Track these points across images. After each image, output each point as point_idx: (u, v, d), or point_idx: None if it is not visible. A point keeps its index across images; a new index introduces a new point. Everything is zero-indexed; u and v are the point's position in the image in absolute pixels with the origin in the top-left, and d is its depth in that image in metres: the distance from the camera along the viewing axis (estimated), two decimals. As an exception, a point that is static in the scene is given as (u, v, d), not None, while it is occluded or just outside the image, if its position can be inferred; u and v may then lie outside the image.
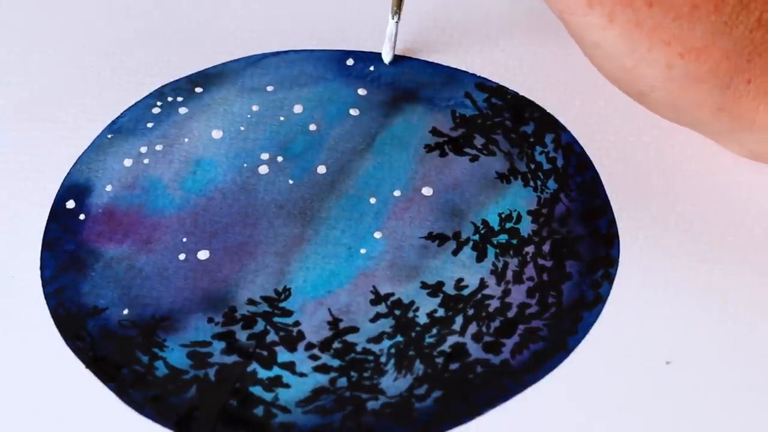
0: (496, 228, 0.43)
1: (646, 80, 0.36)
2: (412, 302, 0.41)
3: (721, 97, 0.35)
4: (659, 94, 0.36)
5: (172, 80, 0.49)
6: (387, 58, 0.48)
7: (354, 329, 0.41)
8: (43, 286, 0.42)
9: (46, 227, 0.44)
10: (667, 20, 0.34)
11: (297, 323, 0.41)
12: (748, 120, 0.36)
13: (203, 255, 0.43)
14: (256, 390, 0.39)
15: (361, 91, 0.48)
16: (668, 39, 0.34)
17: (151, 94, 0.48)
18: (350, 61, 0.49)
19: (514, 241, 0.43)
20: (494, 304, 0.41)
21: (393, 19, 0.46)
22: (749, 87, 0.35)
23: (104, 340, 0.40)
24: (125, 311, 0.41)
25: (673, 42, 0.34)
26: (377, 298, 0.41)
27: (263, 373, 0.39)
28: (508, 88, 0.48)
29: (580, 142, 0.46)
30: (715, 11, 0.34)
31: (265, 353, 0.40)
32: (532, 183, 0.44)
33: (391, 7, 0.46)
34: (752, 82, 0.35)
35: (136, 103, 0.48)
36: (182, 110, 0.48)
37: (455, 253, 0.42)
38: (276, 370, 0.40)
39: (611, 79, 0.37)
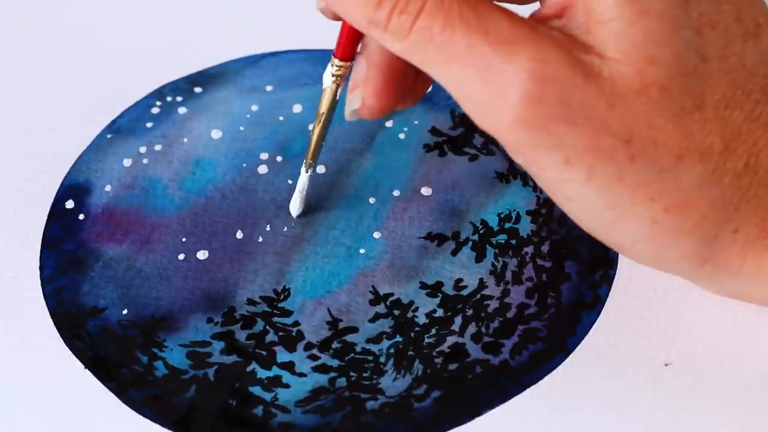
0: (495, 228, 0.43)
1: (628, 234, 0.33)
2: (412, 302, 0.41)
3: (707, 248, 0.33)
4: (641, 247, 0.34)
5: (171, 80, 0.49)
6: (295, 211, 0.43)
7: (353, 329, 0.41)
8: (43, 286, 0.42)
9: (46, 227, 0.44)
10: (650, 174, 0.32)
11: (296, 323, 0.41)
12: (735, 268, 0.34)
13: (203, 255, 0.43)
14: (256, 390, 0.39)
15: (361, 91, 0.48)
16: (652, 194, 0.32)
17: (150, 94, 0.48)
18: (350, 61, 0.49)
19: (513, 242, 0.43)
20: (493, 304, 0.41)
21: (307, 172, 0.42)
22: (736, 236, 0.33)
23: (104, 340, 0.40)
24: (125, 311, 0.41)
25: (658, 197, 0.32)
26: (376, 298, 0.41)
27: (263, 373, 0.39)
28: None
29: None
30: (701, 161, 0.32)
31: (264, 353, 0.40)
32: (531, 182, 0.44)
33: (305, 159, 0.42)
34: (739, 231, 0.33)
35: (135, 104, 0.48)
36: (182, 110, 0.48)
37: (454, 253, 0.42)
38: (275, 370, 0.40)
39: (586, 229, 0.34)
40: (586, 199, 0.33)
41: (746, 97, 0.32)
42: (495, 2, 0.33)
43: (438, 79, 0.33)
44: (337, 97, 0.40)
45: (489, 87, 0.31)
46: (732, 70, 0.32)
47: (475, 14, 0.32)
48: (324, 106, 0.40)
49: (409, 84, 0.37)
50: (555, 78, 0.31)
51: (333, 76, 0.39)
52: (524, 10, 0.36)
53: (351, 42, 0.38)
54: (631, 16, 0.31)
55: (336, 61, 0.39)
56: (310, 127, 0.46)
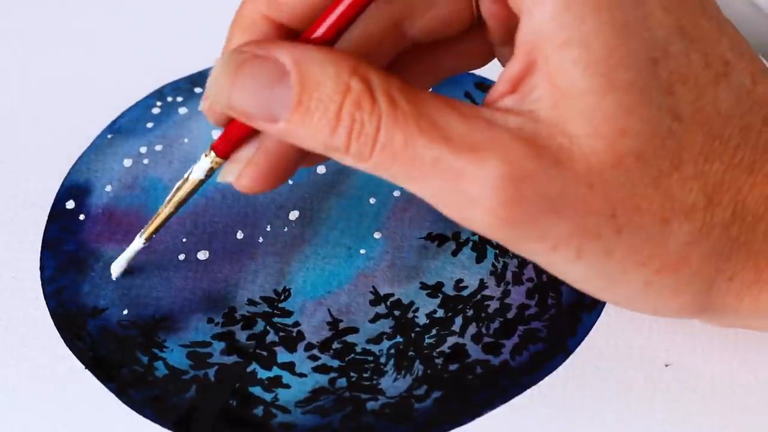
0: (496, 228, 0.43)
1: (622, 297, 0.33)
2: (412, 303, 0.41)
3: (704, 298, 0.33)
4: (637, 306, 0.34)
5: (171, 80, 0.49)
6: (116, 273, 0.42)
7: (354, 330, 0.41)
8: (43, 286, 0.42)
9: (46, 228, 0.44)
10: (638, 242, 0.31)
11: (297, 324, 0.41)
12: (733, 310, 0.34)
13: (203, 255, 0.43)
14: (256, 390, 0.39)
15: (361, 91, 0.48)
16: (642, 260, 0.32)
17: (150, 94, 0.48)
18: (350, 61, 0.49)
19: (514, 242, 0.43)
20: (494, 305, 0.41)
21: (142, 238, 0.41)
22: (731, 284, 0.33)
23: (104, 340, 0.40)
24: (125, 311, 0.41)
25: (648, 262, 0.32)
26: (377, 299, 0.41)
27: (263, 374, 0.39)
28: (507, 89, 0.48)
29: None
30: (687, 220, 0.31)
31: (264, 353, 0.40)
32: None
33: (145, 231, 0.40)
34: (734, 279, 0.33)
35: (135, 104, 0.48)
36: (182, 110, 0.48)
37: (455, 253, 0.42)
38: (276, 371, 0.40)
39: (583, 292, 0.34)
40: (577, 274, 0.33)
41: (724, 145, 0.32)
42: (434, 92, 0.33)
43: (411, 190, 0.32)
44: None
45: (464, 195, 0.31)
46: (707, 122, 0.32)
47: (431, 124, 0.31)
48: (182, 194, 0.38)
49: (291, 173, 0.37)
50: (528, 175, 0.31)
51: (205, 170, 0.37)
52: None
53: (240, 142, 0.36)
54: (600, 90, 0.30)
55: (214, 156, 0.37)
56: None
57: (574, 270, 0.32)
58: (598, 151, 0.31)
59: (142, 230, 0.40)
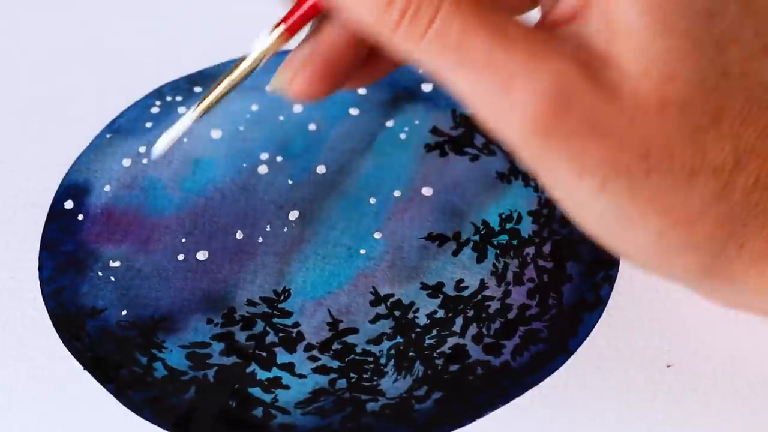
0: (497, 228, 0.43)
1: (633, 245, 0.33)
2: (412, 303, 0.41)
3: (712, 262, 0.33)
4: (645, 258, 0.34)
5: (171, 80, 0.49)
6: (158, 151, 0.38)
7: (354, 330, 0.40)
8: (42, 286, 0.42)
9: (45, 228, 0.44)
10: (663, 189, 0.31)
11: (296, 324, 0.41)
12: (738, 282, 0.33)
13: (202, 255, 0.43)
14: (256, 391, 0.39)
15: (361, 91, 0.48)
16: (663, 208, 0.32)
17: (150, 94, 0.48)
18: (350, 61, 0.49)
19: (515, 242, 0.42)
20: (494, 305, 0.41)
21: (195, 112, 0.37)
22: (741, 252, 0.33)
23: (103, 340, 0.40)
24: (124, 312, 0.41)
25: (668, 212, 0.32)
26: (377, 299, 0.41)
27: (262, 374, 0.39)
28: (508, 88, 0.47)
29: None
30: (713, 177, 0.32)
31: (264, 354, 0.40)
32: (532, 183, 0.44)
33: (200, 102, 0.37)
34: (745, 246, 0.33)
35: (135, 103, 0.48)
36: (181, 110, 0.48)
37: (455, 253, 0.42)
38: (275, 371, 0.39)
39: (591, 235, 0.34)
40: (594, 209, 0.32)
41: (761, 113, 0.32)
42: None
43: (452, 85, 0.32)
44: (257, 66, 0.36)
45: (509, 98, 0.31)
46: (750, 87, 0.32)
47: (494, 22, 0.31)
48: (238, 72, 0.36)
49: (342, 82, 0.36)
50: (577, 94, 0.31)
51: (264, 48, 0.35)
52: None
53: (303, 21, 0.35)
54: (654, 32, 0.31)
55: (275, 33, 0.35)
56: (312, 126, 0.46)
57: (593, 205, 0.32)
58: (645, 91, 0.31)
59: (197, 103, 0.37)
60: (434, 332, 0.40)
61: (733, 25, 0.32)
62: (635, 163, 0.31)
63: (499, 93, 0.31)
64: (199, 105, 0.37)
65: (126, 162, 0.46)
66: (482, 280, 0.41)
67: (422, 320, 0.40)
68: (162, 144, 0.37)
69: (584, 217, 0.33)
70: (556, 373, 0.39)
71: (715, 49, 0.31)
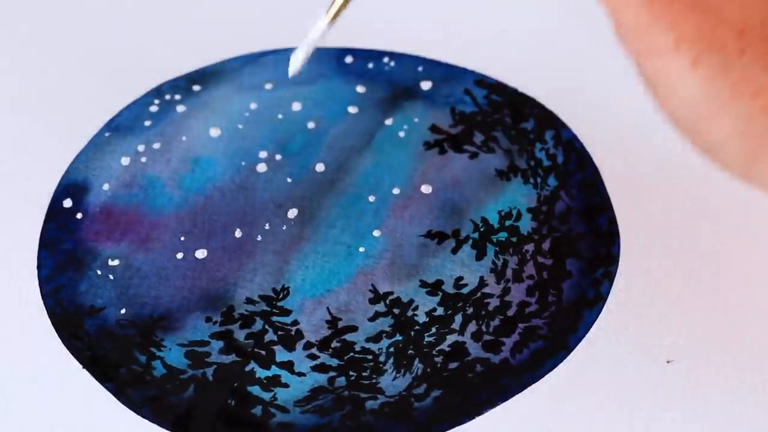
0: (496, 226, 0.43)
1: (721, 131, 0.33)
2: (411, 301, 0.41)
3: None
4: (733, 148, 0.33)
5: (170, 78, 0.49)
6: (295, 65, 0.38)
7: (353, 328, 0.40)
8: (41, 285, 0.42)
9: (44, 226, 0.44)
10: (755, 70, 0.31)
11: (295, 322, 0.41)
12: None
13: (201, 254, 0.43)
14: (255, 389, 0.39)
15: (360, 89, 0.48)
16: (754, 90, 0.31)
17: (149, 92, 0.48)
18: (349, 59, 0.49)
19: (514, 239, 0.42)
20: (494, 302, 0.41)
21: (326, 20, 0.37)
22: None
23: (102, 339, 0.40)
24: (123, 310, 0.41)
25: (759, 95, 0.31)
26: (376, 297, 0.41)
27: (261, 373, 0.39)
28: (507, 85, 0.47)
29: (581, 139, 0.45)
30: None
31: (263, 352, 0.40)
32: (532, 180, 0.44)
33: (329, 7, 0.37)
34: None
35: (134, 102, 0.48)
36: (180, 108, 0.47)
37: (455, 251, 0.42)
38: (274, 370, 0.39)
39: (680, 126, 0.34)
40: (685, 89, 0.32)
41: None
42: None
43: None
44: None
45: None
46: None
47: None
48: None
49: None
50: None
51: None
52: None
53: None
54: None
55: None
56: (311, 124, 0.46)
57: (684, 85, 0.32)
58: None
59: (327, 10, 0.37)
60: (433, 330, 0.40)
61: None
62: (731, 40, 0.31)
63: None
64: (329, 10, 0.37)
65: (125, 160, 0.46)
66: (481, 278, 0.41)
67: (421, 318, 0.40)
68: (297, 59, 0.38)
69: (673, 101, 0.33)
70: (555, 370, 0.39)
71: None
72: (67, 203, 0.44)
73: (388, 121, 0.47)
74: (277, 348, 0.40)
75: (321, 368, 0.39)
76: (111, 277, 0.42)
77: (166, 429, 0.38)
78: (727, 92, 0.32)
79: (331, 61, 0.49)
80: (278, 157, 0.46)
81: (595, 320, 0.40)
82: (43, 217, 0.44)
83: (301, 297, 0.41)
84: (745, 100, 0.32)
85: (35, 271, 0.42)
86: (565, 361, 0.39)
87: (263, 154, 0.46)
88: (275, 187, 0.45)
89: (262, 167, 0.45)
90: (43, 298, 0.41)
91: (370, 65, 0.48)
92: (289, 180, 0.45)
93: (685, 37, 0.31)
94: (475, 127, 0.46)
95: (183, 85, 0.48)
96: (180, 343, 0.40)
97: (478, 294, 0.41)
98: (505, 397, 0.38)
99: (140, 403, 0.39)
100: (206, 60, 0.49)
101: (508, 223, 0.43)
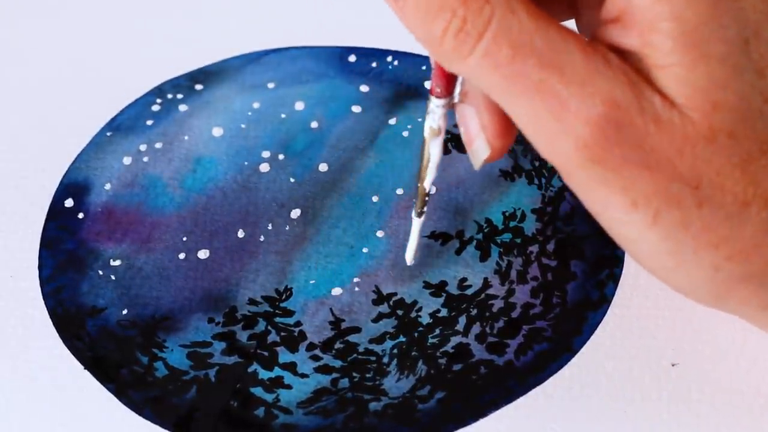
0: (500, 227, 0.43)
1: (688, 279, 0.33)
2: (415, 302, 0.41)
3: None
4: (702, 292, 0.33)
5: (172, 77, 0.48)
6: (410, 260, 0.41)
7: (356, 329, 0.40)
8: (42, 285, 0.42)
9: (45, 226, 0.43)
10: (716, 221, 0.31)
11: (298, 323, 0.40)
12: None
13: (203, 254, 0.42)
14: (257, 391, 0.39)
15: (363, 88, 0.48)
16: (716, 241, 0.31)
17: (150, 91, 0.48)
18: (352, 58, 0.49)
19: (518, 240, 0.42)
20: (498, 304, 0.40)
21: (418, 217, 0.39)
22: None
23: (103, 340, 0.40)
24: (125, 311, 0.41)
25: (722, 244, 0.31)
26: (379, 298, 0.41)
27: (264, 374, 0.39)
28: (511, 85, 0.47)
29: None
30: (765, 207, 0.31)
31: (266, 354, 0.40)
32: (536, 181, 0.44)
33: (415, 208, 0.39)
34: None
35: (135, 101, 0.48)
36: (182, 108, 0.47)
37: (458, 252, 0.42)
38: (277, 371, 0.39)
39: (646, 269, 0.34)
40: (647, 243, 0.32)
41: None
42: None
43: (504, 106, 0.31)
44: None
45: (561, 125, 0.30)
46: None
47: (549, 46, 0.30)
48: (434, 156, 0.37)
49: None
50: (630, 123, 0.30)
51: (435, 123, 0.36)
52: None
53: (451, 78, 0.34)
54: (692, 61, 0.30)
55: (436, 102, 0.35)
56: (314, 123, 0.46)
57: (645, 238, 0.32)
58: (694, 121, 0.30)
59: (413, 208, 0.39)
60: (437, 331, 0.40)
61: None
62: (687, 195, 0.31)
63: (551, 120, 0.30)
64: (416, 208, 0.39)
65: (126, 160, 0.46)
66: (486, 279, 0.41)
67: (425, 319, 0.40)
68: (410, 254, 0.41)
69: (638, 252, 0.33)
70: (560, 372, 0.38)
71: (756, 75, 0.31)
72: (69, 203, 0.44)
73: (392, 121, 0.46)
74: (279, 349, 0.40)
75: (324, 369, 0.39)
76: (113, 277, 0.42)
77: (168, 430, 0.38)
78: (690, 245, 0.31)
79: (334, 60, 0.49)
80: (281, 156, 0.45)
81: (600, 322, 0.40)
82: (44, 217, 0.44)
83: (304, 298, 0.41)
84: (710, 250, 0.31)
85: (36, 271, 0.42)
86: (569, 363, 0.39)
87: (266, 154, 0.46)
88: (278, 187, 0.44)
89: (264, 167, 0.45)
90: (44, 299, 0.41)
91: (374, 64, 0.48)
92: (292, 180, 0.45)
93: (642, 197, 0.31)
94: (478, 127, 0.46)
95: (185, 84, 0.48)
96: (182, 344, 0.40)
97: (482, 295, 0.41)
98: (510, 399, 0.38)
99: (142, 404, 0.38)
100: (208, 59, 0.49)
101: (512, 224, 0.43)
